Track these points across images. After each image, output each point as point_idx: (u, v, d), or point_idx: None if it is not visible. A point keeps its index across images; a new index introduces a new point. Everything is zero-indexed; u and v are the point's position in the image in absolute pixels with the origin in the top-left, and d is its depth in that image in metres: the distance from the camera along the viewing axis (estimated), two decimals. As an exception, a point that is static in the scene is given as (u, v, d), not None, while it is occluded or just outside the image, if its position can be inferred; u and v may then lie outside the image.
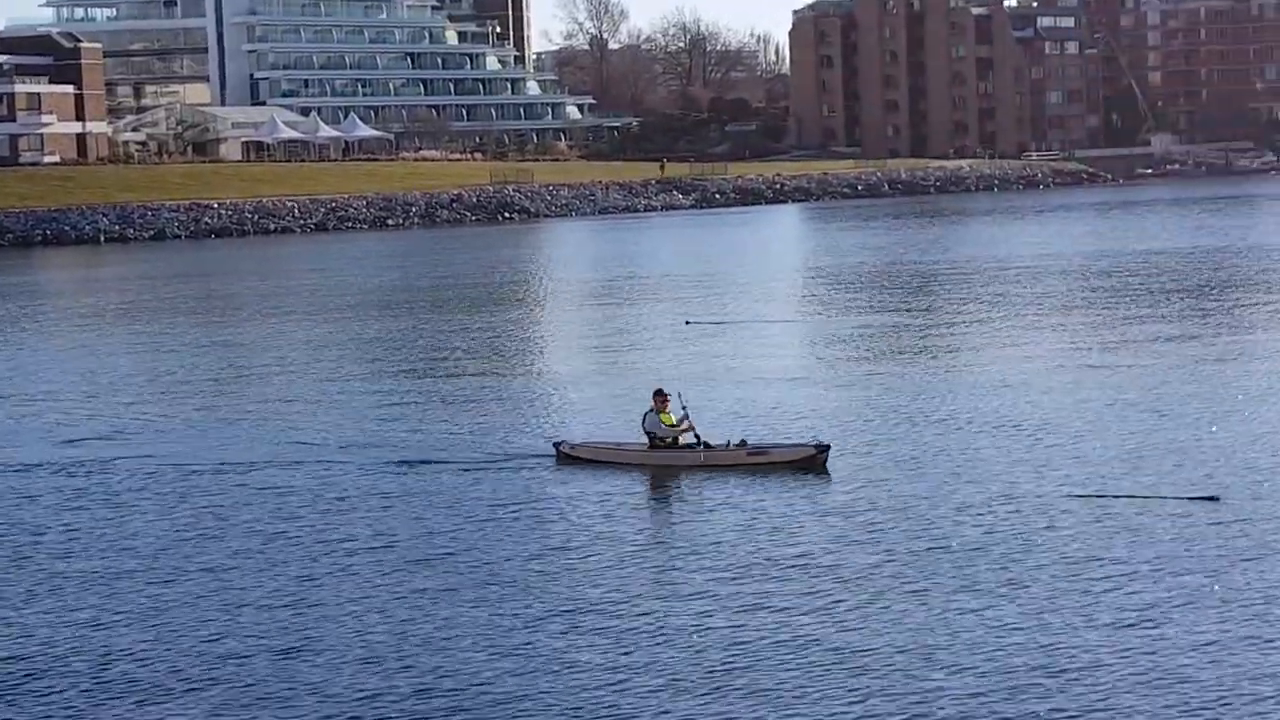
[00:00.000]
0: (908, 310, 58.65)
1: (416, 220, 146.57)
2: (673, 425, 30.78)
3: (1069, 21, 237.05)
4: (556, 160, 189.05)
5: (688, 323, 55.46)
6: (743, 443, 30.64)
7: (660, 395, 31.20)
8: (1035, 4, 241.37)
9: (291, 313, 65.25)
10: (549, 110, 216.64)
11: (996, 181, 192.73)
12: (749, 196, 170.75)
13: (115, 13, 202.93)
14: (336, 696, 18.42)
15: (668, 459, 30.67)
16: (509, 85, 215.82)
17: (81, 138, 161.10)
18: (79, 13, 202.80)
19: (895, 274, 75.40)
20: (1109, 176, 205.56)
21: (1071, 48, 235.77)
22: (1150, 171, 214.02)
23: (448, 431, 35.00)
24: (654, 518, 27.56)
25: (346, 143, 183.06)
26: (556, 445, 31.97)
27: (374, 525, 26.70)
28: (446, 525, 26.52)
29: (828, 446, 30.22)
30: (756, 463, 29.97)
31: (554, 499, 28.40)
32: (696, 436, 30.75)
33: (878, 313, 57.82)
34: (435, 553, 24.75)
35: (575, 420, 36.01)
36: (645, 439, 31.16)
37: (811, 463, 29.81)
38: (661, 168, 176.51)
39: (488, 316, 61.61)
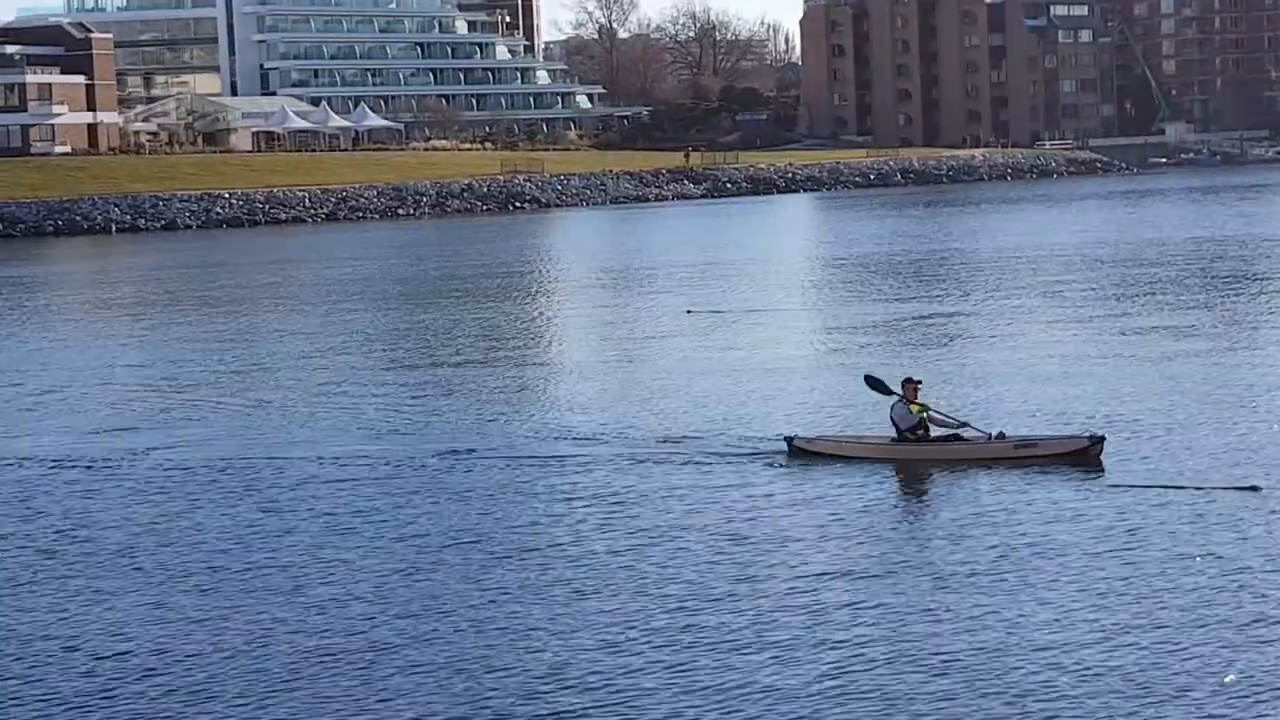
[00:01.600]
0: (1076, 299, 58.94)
1: (427, 210, 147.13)
2: (924, 414, 28.69)
3: (1082, 10, 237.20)
4: (567, 150, 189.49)
5: (687, 311, 55.75)
6: (1001, 434, 28.44)
7: (910, 383, 28.95)
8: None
9: (356, 300, 65.63)
10: (559, 100, 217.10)
11: (1010, 171, 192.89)
12: (760, 186, 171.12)
13: (125, 3, 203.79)
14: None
15: (918, 453, 28.52)
16: (519, 75, 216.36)
17: (93, 128, 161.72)
18: (89, 3, 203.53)
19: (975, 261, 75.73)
20: (1123, 166, 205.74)
21: (1085, 36, 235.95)
22: (1165, 161, 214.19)
23: (673, 424, 32.97)
24: (910, 516, 25.34)
25: (357, 132, 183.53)
26: (789, 440, 29.62)
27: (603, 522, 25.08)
28: (687, 524, 24.64)
29: (1102, 438, 28.06)
30: (1022, 456, 27.74)
31: (792, 496, 26.41)
32: (956, 427, 28.75)
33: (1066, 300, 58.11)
34: (686, 557, 22.80)
35: (784, 413, 33.76)
36: (874, 431, 29.58)
37: (1084, 455, 27.66)
38: (686, 156, 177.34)
39: (586, 304, 62.38)
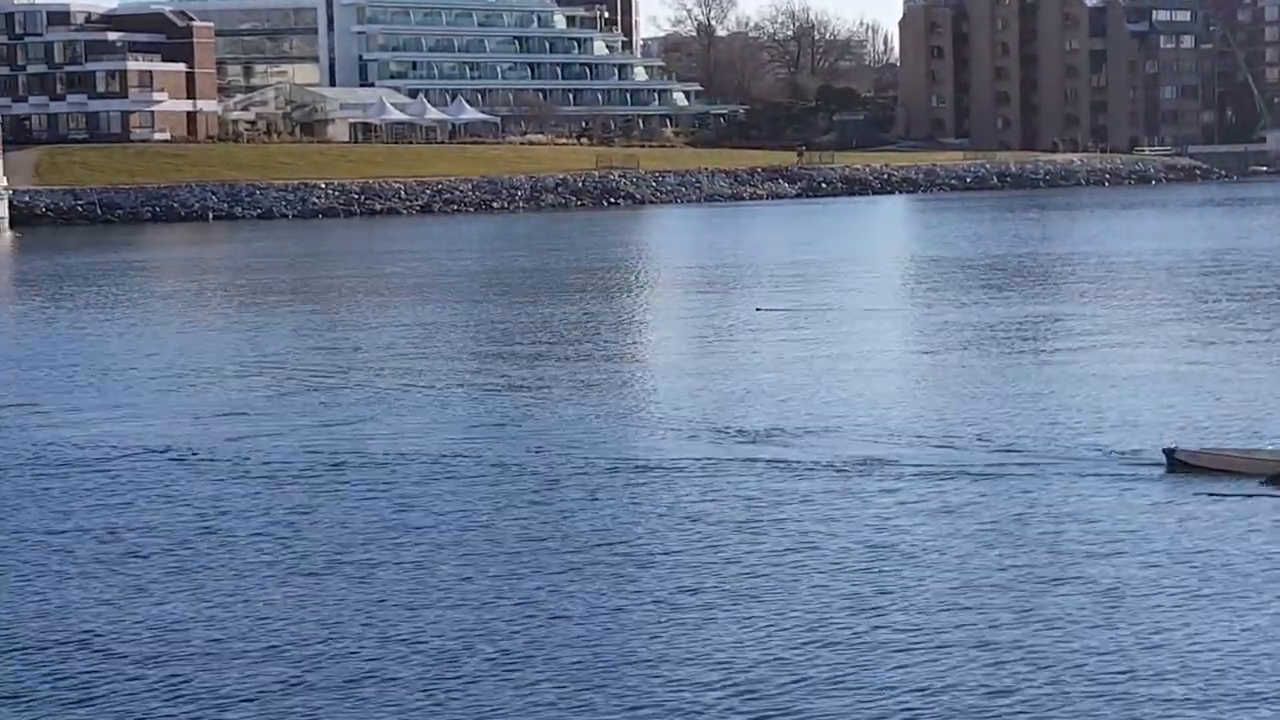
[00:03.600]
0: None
1: (521, 204, 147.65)
2: None
3: (1185, 15, 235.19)
4: (662, 146, 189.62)
5: (757, 309, 55.83)
6: None
7: None
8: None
9: (482, 292, 66.20)
10: (655, 96, 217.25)
11: (1108, 176, 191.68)
12: (855, 186, 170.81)
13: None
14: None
15: None
16: (616, 70, 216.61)
17: (192, 116, 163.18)
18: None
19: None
20: (1223, 173, 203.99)
21: (1187, 41, 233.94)
22: (1265, 169, 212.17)
23: (1025, 429, 31.56)
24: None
25: (453, 125, 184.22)
26: (1168, 452, 27.41)
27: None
28: (1069, 541, 23.11)
29: None
30: None
31: (1176, 515, 24.50)
32: None
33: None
34: (1048, 571, 21.57)
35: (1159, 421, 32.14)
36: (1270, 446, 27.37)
37: None
38: (800, 155, 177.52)
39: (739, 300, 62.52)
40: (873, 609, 20.04)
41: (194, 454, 30.94)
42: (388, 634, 19.42)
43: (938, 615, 19.71)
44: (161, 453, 31.16)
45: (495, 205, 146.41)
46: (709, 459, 29.21)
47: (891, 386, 38.22)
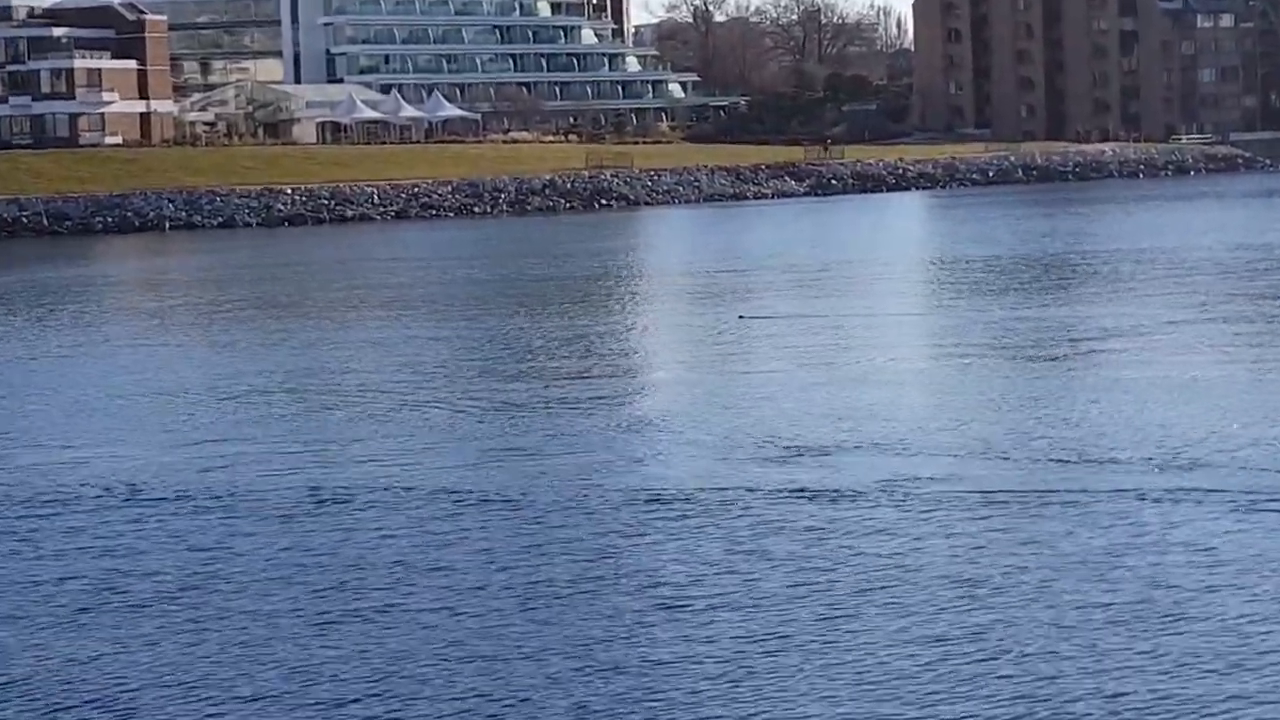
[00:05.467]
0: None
1: (506, 208, 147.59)
2: None
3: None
4: (657, 142, 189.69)
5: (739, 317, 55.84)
6: None
7: None
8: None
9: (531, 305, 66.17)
10: (649, 88, 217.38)
11: (1142, 167, 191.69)
12: (868, 183, 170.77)
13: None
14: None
15: None
16: (606, 61, 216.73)
17: (145, 117, 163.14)
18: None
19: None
20: (1267, 162, 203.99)
21: (1226, 20, 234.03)
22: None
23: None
24: None
25: (430, 123, 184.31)
26: None
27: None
28: None
29: None
30: None
31: None
32: None
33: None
34: (1162, 606, 21.32)
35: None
36: None
37: None
38: (825, 148, 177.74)
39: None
40: (975, 655, 19.61)
41: (154, 486, 30.79)
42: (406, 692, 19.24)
43: (1054, 662, 19.29)
44: (120, 487, 31.04)
45: (477, 210, 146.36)
46: (749, 487, 28.92)
47: (972, 401, 37.87)
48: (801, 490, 28.31)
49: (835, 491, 28.12)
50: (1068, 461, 30.07)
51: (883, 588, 22.39)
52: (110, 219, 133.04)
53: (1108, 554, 23.62)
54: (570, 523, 26.77)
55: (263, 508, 28.70)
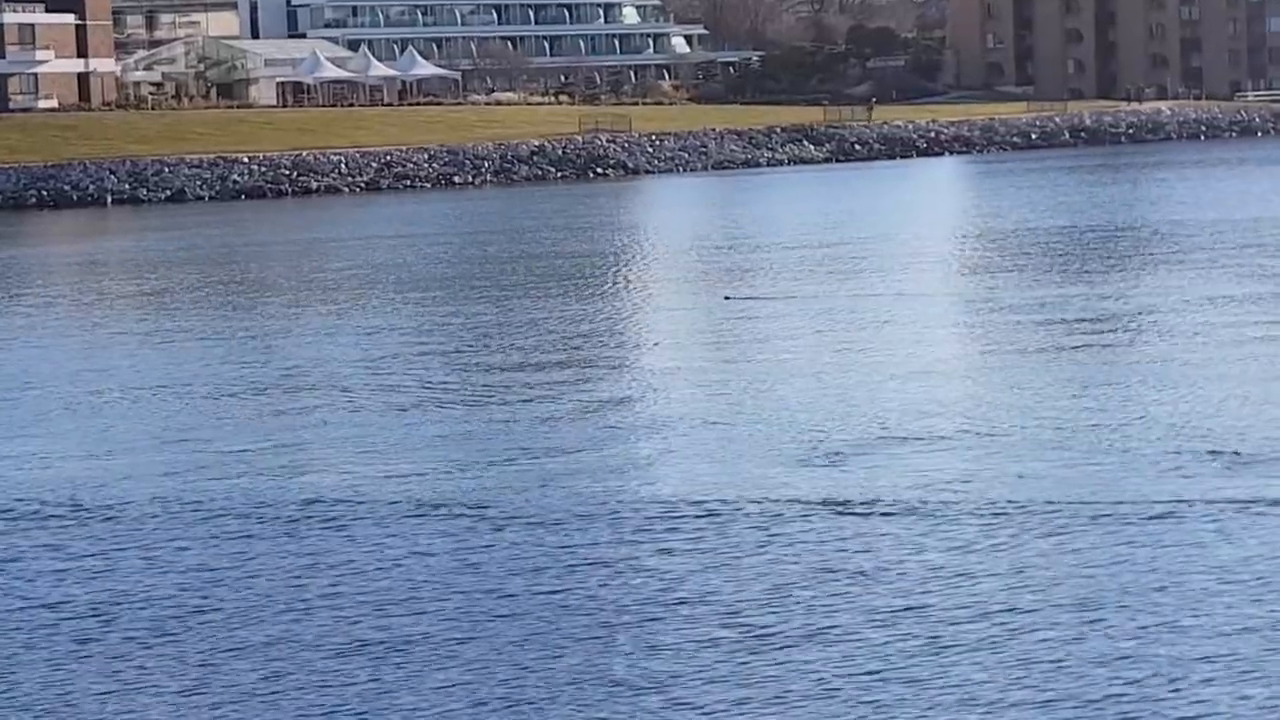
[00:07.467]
0: None
1: (489, 177, 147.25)
2: None
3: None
4: (659, 104, 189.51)
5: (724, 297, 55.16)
6: None
7: None
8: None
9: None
10: (650, 42, 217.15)
11: (1203, 128, 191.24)
12: (896, 147, 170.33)
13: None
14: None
15: None
16: (601, 12, 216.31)
17: (84, 78, 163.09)
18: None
19: None
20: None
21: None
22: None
23: None
24: None
25: (404, 83, 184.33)
26: None
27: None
28: None
29: None
30: None
31: None
32: None
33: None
34: None
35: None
36: None
37: None
38: (870, 110, 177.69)
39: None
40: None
41: (103, 494, 30.60)
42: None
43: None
44: (65, 494, 30.71)
45: (457, 180, 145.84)
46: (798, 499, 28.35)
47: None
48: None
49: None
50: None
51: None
52: (45, 192, 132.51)
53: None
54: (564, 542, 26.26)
55: (200, 515, 28.22)
